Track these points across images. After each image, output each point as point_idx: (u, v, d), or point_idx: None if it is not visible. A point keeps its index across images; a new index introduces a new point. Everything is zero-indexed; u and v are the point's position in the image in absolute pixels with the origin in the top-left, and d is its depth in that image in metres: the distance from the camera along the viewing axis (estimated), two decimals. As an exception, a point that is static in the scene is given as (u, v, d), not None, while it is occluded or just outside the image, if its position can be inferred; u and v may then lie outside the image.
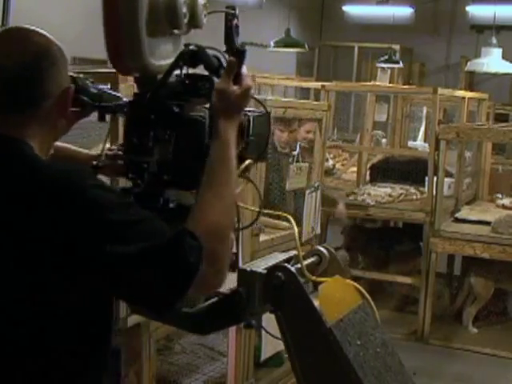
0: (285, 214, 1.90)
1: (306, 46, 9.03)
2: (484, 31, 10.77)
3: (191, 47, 1.45)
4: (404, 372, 1.67)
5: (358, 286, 1.63)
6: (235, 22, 1.58)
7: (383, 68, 10.69)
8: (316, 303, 1.48)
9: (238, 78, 1.44)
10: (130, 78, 2.33)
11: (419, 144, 7.73)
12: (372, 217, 5.73)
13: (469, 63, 8.33)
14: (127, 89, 2.31)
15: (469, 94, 6.62)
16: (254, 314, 1.57)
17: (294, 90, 10.79)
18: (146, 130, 1.41)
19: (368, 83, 8.44)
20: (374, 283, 5.83)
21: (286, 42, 8.81)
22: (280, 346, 3.73)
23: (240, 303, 1.51)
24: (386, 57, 10.15)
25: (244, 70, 1.46)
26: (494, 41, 7.72)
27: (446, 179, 5.44)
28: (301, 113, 3.98)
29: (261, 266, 1.51)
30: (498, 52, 7.73)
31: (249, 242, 3.25)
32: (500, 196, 6.05)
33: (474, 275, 5.24)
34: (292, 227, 1.75)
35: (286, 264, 1.49)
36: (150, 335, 2.64)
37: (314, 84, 8.74)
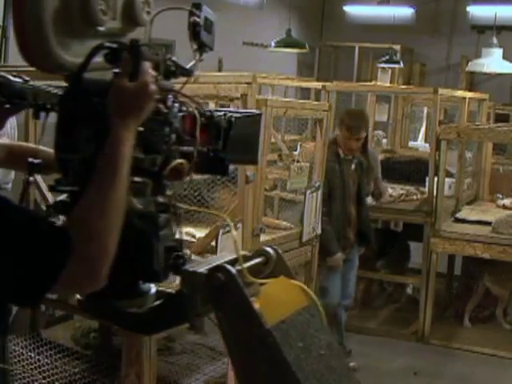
0: (217, 213, 1.89)
1: (307, 46, 9.03)
2: (485, 31, 10.76)
3: (107, 44, 1.37)
4: (350, 375, 1.65)
5: (304, 287, 1.60)
6: (195, 19, 1.54)
7: (384, 68, 10.69)
8: (256, 305, 1.45)
9: (134, 75, 1.36)
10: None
11: (420, 144, 7.74)
12: (372, 216, 5.73)
13: (469, 63, 8.34)
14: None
15: (469, 94, 6.62)
16: (197, 314, 1.55)
17: (295, 91, 10.79)
18: (71, 127, 1.39)
19: (369, 83, 8.44)
20: (376, 283, 5.84)
21: (287, 42, 8.82)
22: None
23: (183, 304, 1.50)
24: (387, 57, 10.15)
25: (145, 66, 1.37)
26: (495, 41, 7.73)
27: (447, 179, 5.45)
28: (301, 113, 3.98)
29: (204, 266, 1.50)
30: (498, 52, 7.74)
31: (249, 242, 3.25)
32: (500, 196, 6.05)
33: (488, 278, 5.28)
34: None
35: (226, 265, 1.47)
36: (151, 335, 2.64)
37: (314, 84, 8.74)
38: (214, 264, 1.49)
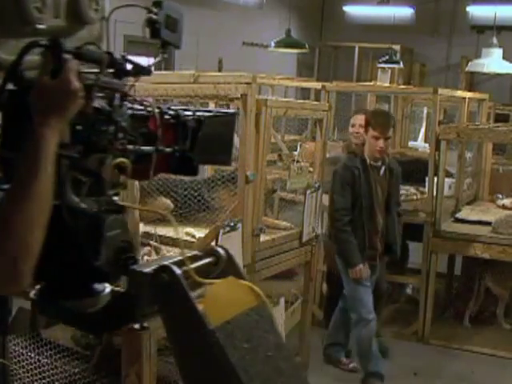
0: (160, 211, 1.87)
1: (307, 47, 9.03)
2: (484, 31, 10.77)
3: (39, 41, 1.33)
4: (299, 376, 1.63)
5: (254, 287, 1.55)
6: (151, 16, 1.52)
7: (384, 68, 10.69)
8: (200, 305, 1.44)
9: (56, 72, 1.32)
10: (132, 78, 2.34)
11: (420, 144, 7.73)
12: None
13: (469, 63, 8.33)
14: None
15: (469, 95, 6.62)
16: (144, 315, 1.54)
17: (295, 91, 10.79)
18: (11, 125, 1.37)
19: (368, 83, 8.43)
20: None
21: (287, 43, 8.82)
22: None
23: (130, 304, 1.50)
24: (387, 57, 10.16)
25: (69, 63, 1.32)
26: (495, 41, 7.73)
27: (447, 179, 5.44)
28: (301, 113, 3.98)
29: (152, 266, 1.48)
30: (498, 52, 7.73)
31: (249, 242, 3.25)
32: (500, 196, 6.05)
33: (489, 278, 5.29)
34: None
35: (170, 265, 1.46)
36: (151, 335, 2.64)
37: (314, 84, 8.74)
38: (161, 264, 1.47)
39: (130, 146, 1.46)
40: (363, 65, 11.97)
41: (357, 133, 4.87)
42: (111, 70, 1.46)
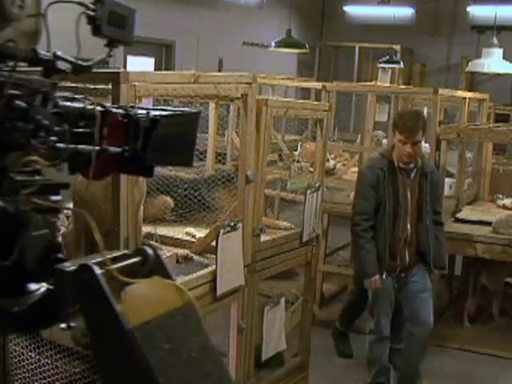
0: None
1: (307, 47, 9.03)
2: (485, 31, 10.77)
3: None
4: (226, 378, 1.60)
5: (181, 287, 1.52)
6: (88, 13, 1.50)
7: (384, 68, 10.68)
8: (120, 305, 1.43)
9: None
10: (132, 78, 2.35)
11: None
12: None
13: (469, 63, 8.33)
14: (129, 89, 2.32)
15: (469, 95, 6.62)
16: (68, 314, 1.53)
17: (295, 91, 10.80)
18: None
19: (369, 83, 8.43)
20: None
21: (287, 43, 8.82)
22: (281, 346, 3.75)
23: (55, 303, 1.48)
24: (387, 57, 10.16)
25: None
26: (495, 41, 7.72)
27: (447, 179, 5.44)
28: (301, 113, 3.98)
29: (75, 264, 1.47)
30: (498, 52, 7.72)
31: (250, 242, 3.25)
32: (501, 196, 6.05)
33: (484, 275, 5.31)
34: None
35: (91, 264, 1.45)
36: (151, 335, 2.63)
37: (314, 84, 8.74)
38: (81, 263, 1.46)
39: (61, 145, 1.40)
40: (363, 65, 11.97)
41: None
42: (39, 68, 1.43)
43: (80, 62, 1.52)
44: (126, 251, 1.57)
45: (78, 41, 1.46)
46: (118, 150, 1.46)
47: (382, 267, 3.98)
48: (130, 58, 8.08)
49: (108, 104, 1.53)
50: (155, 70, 8.61)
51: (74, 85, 3.53)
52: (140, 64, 8.47)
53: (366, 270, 4.00)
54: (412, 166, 4.01)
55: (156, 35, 8.40)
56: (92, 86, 3.38)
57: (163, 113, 1.50)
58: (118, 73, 2.30)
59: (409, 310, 4.15)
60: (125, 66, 7.76)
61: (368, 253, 3.96)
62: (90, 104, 1.49)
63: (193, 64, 8.74)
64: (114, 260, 1.47)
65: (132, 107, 1.53)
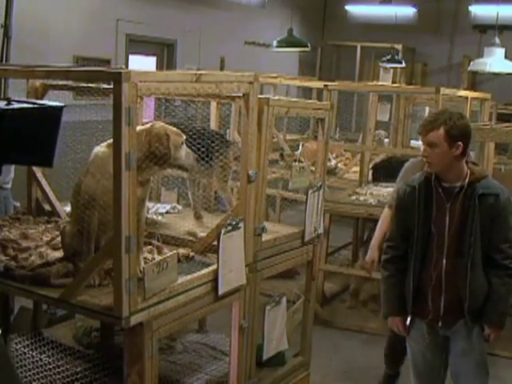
0: None
1: (309, 46, 9.02)
2: (487, 31, 10.76)
3: None
4: (11, 372, 1.53)
5: None
6: None
7: (386, 68, 10.68)
8: None
9: None
10: (134, 77, 2.34)
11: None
12: (374, 216, 5.73)
13: (471, 63, 8.32)
14: (131, 88, 2.31)
15: (471, 94, 6.61)
16: None
17: (297, 90, 10.79)
18: None
19: (370, 83, 8.43)
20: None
21: (289, 42, 8.81)
22: (282, 345, 3.75)
23: None
24: (389, 56, 10.16)
25: None
26: (497, 40, 7.71)
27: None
28: (303, 112, 3.97)
29: None
30: (500, 52, 7.72)
31: (251, 241, 3.25)
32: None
33: None
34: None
35: None
36: (153, 334, 2.64)
37: (316, 83, 8.74)
38: None
39: None
40: (365, 64, 11.95)
41: None
42: None
43: None
44: None
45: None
46: None
47: (406, 309, 3.26)
48: (131, 57, 8.09)
49: None
50: (157, 69, 8.61)
51: (75, 84, 3.54)
52: (142, 63, 8.47)
53: (383, 309, 3.39)
54: (460, 183, 3.11)
55: (158, 34, 8.39)
56: (94, 86, 3.39)
57: (10, 106, 1.37)
58: (120, 72, 2.29)
59: (452, 376, 3.35)
60: (127, 65, 7.76)
61: (388, 290, 3.31)
62: None
63: (194, 63, 8.74)
64: None
65: None
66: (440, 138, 3.05)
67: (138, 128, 2.90)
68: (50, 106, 1.44)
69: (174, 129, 2.91)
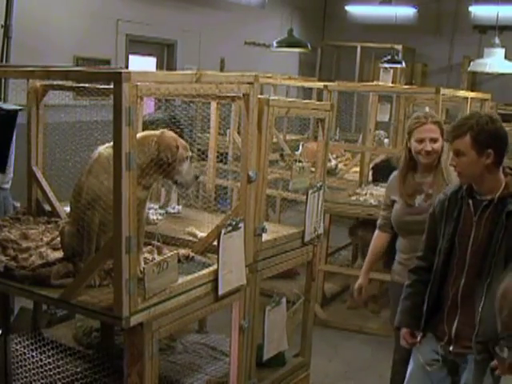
0: None
1: (309, 46, 9.03)
2: (487, 31, 10.76)
3: None
4: None
5: None
6: None
7: (386, 68, 10.67)
8: None
9: None
10: (134, 77, 2.34)
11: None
12: (374, 217, 5.73)
13: (471, 63, 8.32)
14: (131, 88, 2.31)
15: (471, 94, 6.61)
16: None
17: (297, 90, 10.79)
18: None
19: (370, 83, 8.43)
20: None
21: (289, 42, 8.81)
22: (282, 346, 3.75)
23: None
24: (389, 57, 10.15)
25: None
26: (497, 41, 7.72)
27: (449, 179, 5.42)
28: (303, 113, 3.97)
29: None
30: (500, 52, 7.73)
31: (251, 241, 3.25)
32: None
33: None
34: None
35: None
36: (153, 335, 2.64)
37: (316, 84, 8.74)
38: None
39: None
40: (365, 64, 11.96)
41: None
42: None
43: None
44: None
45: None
46: None
47: (418, 323, 2.99)
48: (131, 58, 8.09)
49: None
50: (157, 69, 8.61)
51: (76, 85, 3.55)
52: (142, 63, 8.47)
53: (396, 318, 3.12)
54: (489, 197, 2.78)
55: (158, 34, 8.40)
56: (95, 86, 3.39)
57: None
58: (120, 72, 2.29)
59: None
60: (127, 66, 7.76)
61: (404, 299, 3.08)
62: None
63: (194, 63, 8.74)
64: None
65: None
66: (467, 145, 2.73)
67: (148, 132, 2.91)
68: (3, 109, 1.40)
69: (183, 142, 2.90)
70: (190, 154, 2.89)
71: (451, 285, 2.85)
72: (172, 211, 4.03)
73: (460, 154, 2.75)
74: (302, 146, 7.01)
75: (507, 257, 2.68)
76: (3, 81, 5.38)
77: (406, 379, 3.09)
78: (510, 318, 1.18)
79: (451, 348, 2.86)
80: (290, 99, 4.99)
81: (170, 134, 2.87)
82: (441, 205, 2.93)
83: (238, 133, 5.69)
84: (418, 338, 3.00)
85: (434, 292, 2.91)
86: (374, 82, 8.86)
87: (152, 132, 2.88)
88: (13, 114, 1.44)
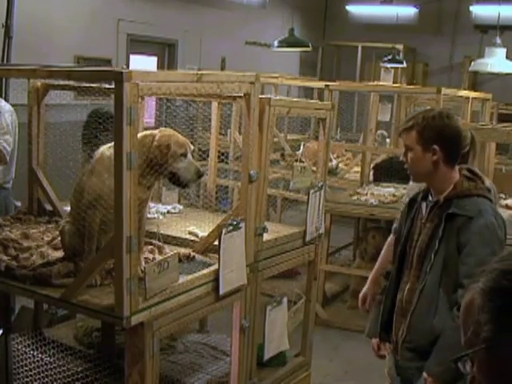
0: None
1: (310, 46, 9.02)
2: (488, 31, 10.75)
3: None
4: None
5: None
6: None
7: (387, 68, 10.67)
8: None
9: None
10: (135, 77, 2.34)
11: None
12: (375, 217, 5.73)
13: (472, 63, 8.32)
14: (132, 88, 2.31)
15: (472, 94, 6.61)
16: None
17: (298, 90, 10.79)
18: None
19: (371, 83, 8.42)
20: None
21: (290, 42, 8.81)
22: (283, 345, 3.75)
23: None
24: (390, 56, 10.15)
25: None
26: (498, 41, 7.72)
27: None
28: (304, 112, 3.97)
29: None
30: (501, 52, 7.72)
31: (252, 241, 3.25)
32: (503, 196, 6.04)
33: None
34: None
35: None
36: (154, 334, 2.64)
37: (317, 83, 8.74)
38: None
39: None
40: (366, 64, 11.96)
41: None
42: None
43: None
44: None
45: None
46: None
47: (379, 332, 2.86)
48: (132, 57, 8.09)
49: None
50: (158, 69, 8.61)
51: (76, 84, 3.54)
52: (143, 63, 8.47)
53: (366, 328, 3.00)
54: (436, 198, 2.67)
55: (159, 34, 8.40)
56: (95, 85, 3.39)
57: None
58: (121, 72, 2.29)
59: None
60: (128, 65, 7.76)
61: (374, 307, 2.96)
62: None
63: (195, 63, 8.74)
64: None
65: None
66: (413, 140, 2.63)
67: (148, 131, 2.89)
68: None
69: (182, 138, 2.83)
70: (187, 150, 2.80)
71: (402, 288, 2.72)
72: (173, 211, 4.03)
73: (408, 149, 2.66)
74: (303, 145, 7.00)
75: (446, 262, 2.55)
76: (4, 80, 5.39)
77: None
78: (473, 335, 1.18)
79: (398, 358, 2.73)
80: (291, 99, 4.99)
81: (167, 131, 2.84)
82: (404, 207, 2.86)
83: (239, 132, 5.69)
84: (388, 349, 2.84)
85: (388, 299, 2.78)
86: (375, 82, 8.86)
87: (151, 131, 2.87)
88: None
